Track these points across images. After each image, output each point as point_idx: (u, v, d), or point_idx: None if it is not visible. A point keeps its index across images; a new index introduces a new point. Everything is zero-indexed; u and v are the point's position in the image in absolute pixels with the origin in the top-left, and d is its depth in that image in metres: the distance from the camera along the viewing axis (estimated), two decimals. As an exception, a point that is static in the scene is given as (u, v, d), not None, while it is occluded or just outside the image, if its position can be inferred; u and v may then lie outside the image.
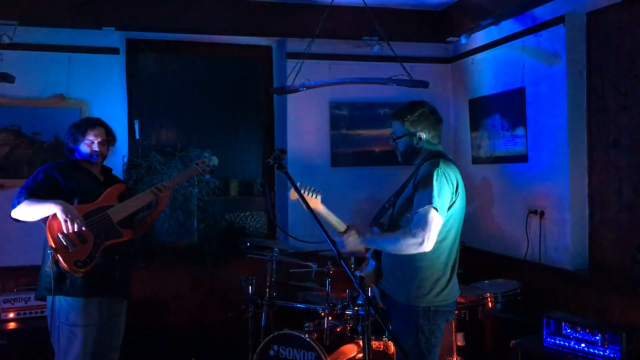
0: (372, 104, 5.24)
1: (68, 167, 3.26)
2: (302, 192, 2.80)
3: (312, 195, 2.86)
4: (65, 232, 2.96)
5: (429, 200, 2.60)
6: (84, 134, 3.26)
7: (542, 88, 4.34)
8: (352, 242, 2.81)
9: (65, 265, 2.95)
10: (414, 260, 2.72)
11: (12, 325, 4.18)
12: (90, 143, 3.26)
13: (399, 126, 2.88)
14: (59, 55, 4.63)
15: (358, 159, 5.27)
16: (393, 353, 3.62)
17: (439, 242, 2.68)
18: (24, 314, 4.27)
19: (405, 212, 2.78)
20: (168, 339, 4.67)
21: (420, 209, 2.61)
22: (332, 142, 5.22)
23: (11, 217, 3.08)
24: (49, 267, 2.96)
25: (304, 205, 2.65)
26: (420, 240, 2.58)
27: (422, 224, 2.59)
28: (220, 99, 5.52)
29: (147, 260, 4.76)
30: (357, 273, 2.81)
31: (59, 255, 2.95)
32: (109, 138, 3.36)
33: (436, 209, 2.60)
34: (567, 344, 3.36)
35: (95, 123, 3.35)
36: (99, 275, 3.11)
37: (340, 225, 2.89)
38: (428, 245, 2.61)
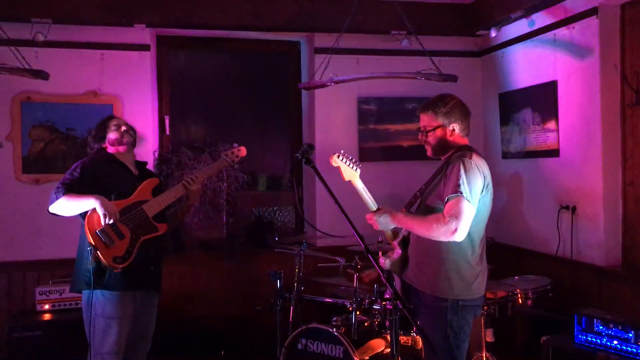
0: (400, 99, 5.22)
1: (104, 160, 3.33)
2: (343, 161, 2.79)
3: (352, 167, 2.82)
4: (102, 228, 3.02)
5: (460, 190, 2.59)
6: (106, 125, 3.35)
7: (575, 81, 4.27)
8: (383, 222, 2.77)
9: (105, 261, 3.02)
10: (441, 252, 2.70)
11: (47, 316, 4.28)
12: (116, 128, 3.34)
13: (431, 118, 2.84)
14: (92, 53, 4.72)
15: (386, 154, 5.25)
16: (421, 348, 3.61)
17: (466, 235, 2.66)
18: (59, 305, 4.36)
19: (435, 202, 2.76)
20: (197, 332, 4.72)
21: (453, 198, 2.60)
22: (360, 137, 5.21)
23: (49, 212, 3.15)
24: (91, 264, 3.02)
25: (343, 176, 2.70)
26: (453, 228, 2.57)
27: (455, 212, 2.57)
28: (249, 95, 5.56)
29: (177, 253, 4.83)
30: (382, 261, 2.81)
31: (98, 252, 3.01)
32: (130, 127, 3.42)
33: (468, 200, 2.59)
34: (599, 341, 3.31)
35: (111, 116, 3.50)
36: (136, 269, 3.17)
37: (374, 205, 2.85)
38: (460, 235, 2.59)
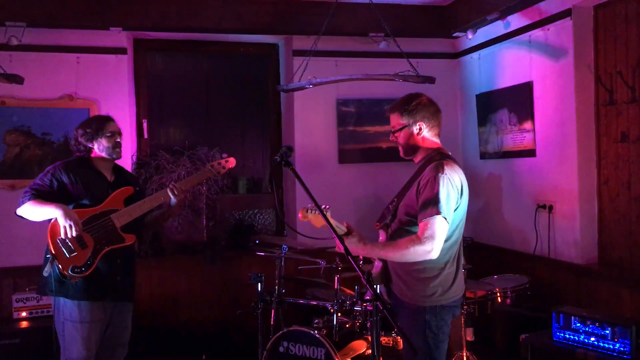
0: (379, 101, 5.24)
1: (78, 166, 3.27)
2: (310, 212, 2.77)
3: (320, 213, 2.81)
4: (64, 237, 2.99)
5: (436, 209, 2.56)
6: (103, 128, 3.25)
7: (550, 82, 4.33)
8: (351, 247, 2.69)
9: (62, 270, 2.99)
10: (419, 262, 2.68)
11: (24, 324, 4.23)
12: (111, 136, 3.25)
13: (397, 118, 2.82)
14: (67, 56, 4.67)
15: (365, 156, 5.27)
16: (402, 349, 3.62)
17: (443, 243, 2.67)
18: (36, 312, 4.31)
19: (410, 217, 2.73)
20: (178, 336, 4.70)
21: (428, 218, 2.57)
22: (340, 138, 5.23)
23: (16, 214, 3.14)
24: (46, 272, 3.00)
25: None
26: (429, 248, 2.55)
27: (431, 233, 2.55)
28: (228, 97, 5.54)
29: (157, 258, 4.79)
30: None
31: (56, 260, 2.99)
32: (120, 136, 3.37)
33: (444, 218, 2.57)
34: (576, 338, 3.35)
35: (109, 118, 3.36)
36: (100, 279, 3.14)
37: (342, 230, 2.84)
38: (436, 253, 2.58)
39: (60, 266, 2.98)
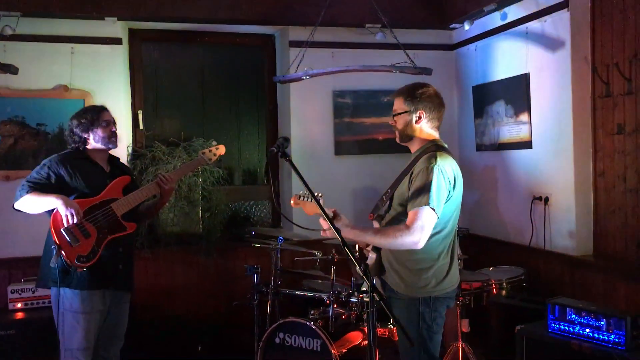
0: (375, 92, 5.23)
1: (74, 158, 3.25)
2: (302, 199, 2.77)
3: (311, 200, 2.75)
4: (67, 227, 2.98)
5: (426, 200, 2.57)
6: (98, 118, 3.25)
7: (547, 74, 4.32)
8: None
9: (68, 260, 2.98)
10: (413, 253, 2.69)
11: (19, 315, 4.22)
12: (106, 125, 3.26)
13: (400, 102, 2.84)
14: (62, 46, 4.63)
15: (362, 147, 5.26)
16: (398, 340, 3.63)
17: (437, 234, 2.67)
18: (32, 304, 4.30)
19: (403, 206, 2.74)
20: (174, 328, 4.70)
21: (417, 208, 2.58)
22: (336, 130, 5.21)
23: (14, 208, 3.12)
24: (53, 263, 2.99)
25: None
26: (417, 239, 2.56)
27: (420, 224, 2.56)
28: (224, 88, 5.52)
29: (153, 249, 4.79)
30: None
31: (62, 250, 2.98)
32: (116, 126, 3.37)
33: (433, 209, 2.58)
34: (571, 329, 3.36)
35: (104, 107, 3.36)
36: (103, 268, 3.14)
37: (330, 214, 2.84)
38: (422, 244, 2.60)
39: (66, 256, 2.98)
